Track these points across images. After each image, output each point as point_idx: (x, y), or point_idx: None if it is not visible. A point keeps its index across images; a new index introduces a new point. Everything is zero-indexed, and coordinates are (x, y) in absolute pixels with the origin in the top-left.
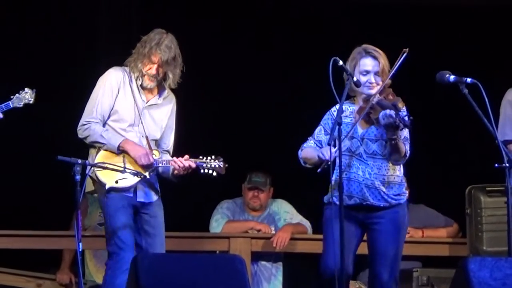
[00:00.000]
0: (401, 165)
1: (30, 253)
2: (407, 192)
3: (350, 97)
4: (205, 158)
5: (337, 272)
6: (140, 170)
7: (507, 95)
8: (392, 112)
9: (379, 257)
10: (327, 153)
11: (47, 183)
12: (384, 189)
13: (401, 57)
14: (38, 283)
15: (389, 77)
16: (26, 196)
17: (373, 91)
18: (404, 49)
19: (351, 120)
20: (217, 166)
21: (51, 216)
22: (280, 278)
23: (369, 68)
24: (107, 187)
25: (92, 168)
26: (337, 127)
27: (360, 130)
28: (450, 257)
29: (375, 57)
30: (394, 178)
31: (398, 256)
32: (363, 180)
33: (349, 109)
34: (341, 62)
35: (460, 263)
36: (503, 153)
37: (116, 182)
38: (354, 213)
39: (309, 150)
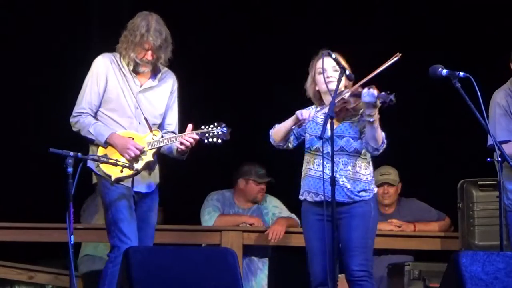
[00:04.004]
0: (370, 164)
1: (21, 245)
2: (374, 190)
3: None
4: (206, 127)
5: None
6: (133, 162)
7: (495, 97)
8: (376, 91)
9: (344, 251)
10: (306, 113)
11: (40, 175)
12: (348, 185)
13: (391, 59)
14: (30, 275)
15: (373, 74)
16: (18, 188)
17: (332, 86)
18: (397, 53)
19: (321, 120)
20: (220, 132)
21: (43, 208)
22: (266, 271)
23: (325, 66)
24: (113, 178)
25: (97, 163)
26: (329, 120)
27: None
28: (442, 251)
29: (328, 55)
30: (360, 175)
31: (365, 247)
32: (329, 178)
33: (321, 111)
34: (334, 55)
35: (452, 257)
36: (496, 147)
37: (121, 171)
38: (322, 210)
39: (281, 124)
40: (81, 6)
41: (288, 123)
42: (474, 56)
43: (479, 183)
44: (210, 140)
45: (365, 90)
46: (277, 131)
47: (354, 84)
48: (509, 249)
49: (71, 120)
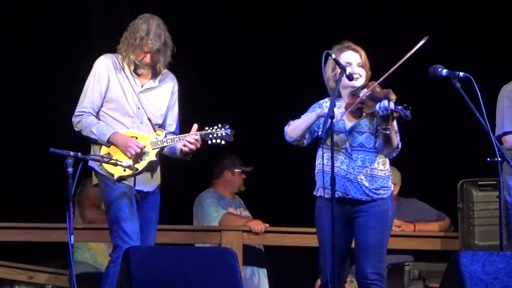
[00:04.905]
0: (387, 160)
1: (21, 245)
2: (392, 186)
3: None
4: (210, 128)
5: (330, 276)
6: (133, 162)
7: (503, 91)
8: (391, 104)
9: (360, 250)
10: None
11: (40, 175)
12: (366, 183)
13: (419, 43)
14: (30, 275)
15: (403, 59)
16: (18, 188)
17: (357, 83)
18: (425, 37)
19: (340, 115)
20: (224, 134)
21: (43, 208)
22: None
23: (351, 60)
24: (115, 177)
25: (99, 163)
26: (329, 120)
27: (348, 124)
28: (442, 251)
29: (355, 50)
30: (378, 172)
31: (381, 250)
32: (346, 174)
33: (337, 105)
34: (334, 55)
35: (452, 257)
36: (496, 147)
37: (124, 170)
38: (340, 206)
39: (296, 121)
40: (81, 6)
41: (311, 117)
42: (475, 56)
43: (479, 183)
44: (214, 141)
45: (380, 105)
46: (296, 127)
47: (376, 79)
48: (509, 249)
49: (73, 119)
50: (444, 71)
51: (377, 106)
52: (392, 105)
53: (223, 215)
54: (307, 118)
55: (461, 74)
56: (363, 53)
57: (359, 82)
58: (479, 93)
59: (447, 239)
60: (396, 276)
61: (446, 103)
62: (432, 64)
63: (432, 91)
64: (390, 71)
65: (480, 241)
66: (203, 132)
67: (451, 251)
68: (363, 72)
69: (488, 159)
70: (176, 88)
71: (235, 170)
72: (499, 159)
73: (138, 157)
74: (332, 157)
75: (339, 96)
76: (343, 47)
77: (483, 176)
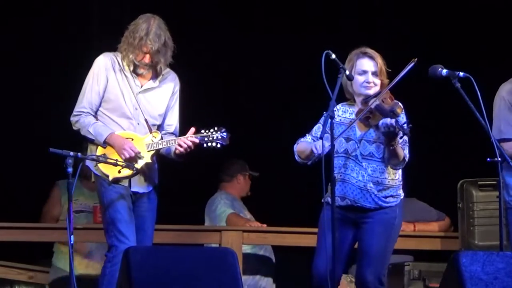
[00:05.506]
0: (400, 169)
1: (21, 245)
2: (401, 195)
3: (349, 99)
4: (206, 131)
5: (329, 275)
6: (132, 161)
7: (500, 91)
8: (392, 121)
9: (362, 257)
10: (319, 146)
11: (40, 175)
12: (375, 192)
13: (408, 65)
14: (30, 275)
15: (392, 84)
16: (18, 188)
17: (370, 92)
18: (413, 59)
19: (348, 121)
20: (220, 137)
21: (43, 208)
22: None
23: (366, 68)
24: (110, 178)
25: (95, 162)
26: (329, 120)
27: (358, 132)
28: (442, 251)
29: (372, 57)
30: (389, 181)
31: (384, 257)
32: (356, 182)
33: (349, 111)
34: (333, 56)
35: (452, 257)
36: (496, 147)
37: (119, 172)
38: (346, 213)
39: (303, 144)
40: (81, 6)
41: (307, 150)
42: (475, 56)
43: (479, 183)
44: (209, 144)
45: (381, 122)
46: (302, 151)
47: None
48: (509, 249)
49: (71, 119)
50: (444, 71)
51: (380, 122)
52: (393, 122)
53: (229, 214)
54: (306, 149)
55: (461, 74)
56: (379, 60)
57: (372, 91)
58: (479, 93)
59: (447, 239)
60: (396, 276)
61: (446, 103)
62: (432, 64)
63: (432, 91)
64: (381, 94)
65: (480, 241)
66: (198, 135)
67: (451, 251)
68: (377, 81)
69: (488, 159)
70: (177, 88)
71: (246, 174)
72: (499, 159)
73: (132, 159)
74: (332, 159)
75: (354, 101)
76: (360, 53)
77: (483, 176)
